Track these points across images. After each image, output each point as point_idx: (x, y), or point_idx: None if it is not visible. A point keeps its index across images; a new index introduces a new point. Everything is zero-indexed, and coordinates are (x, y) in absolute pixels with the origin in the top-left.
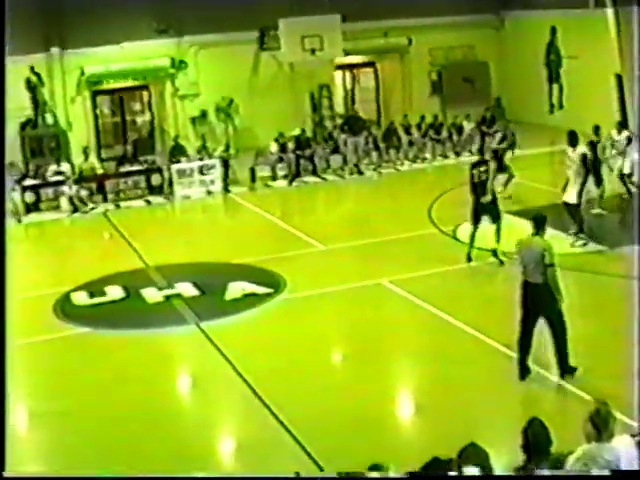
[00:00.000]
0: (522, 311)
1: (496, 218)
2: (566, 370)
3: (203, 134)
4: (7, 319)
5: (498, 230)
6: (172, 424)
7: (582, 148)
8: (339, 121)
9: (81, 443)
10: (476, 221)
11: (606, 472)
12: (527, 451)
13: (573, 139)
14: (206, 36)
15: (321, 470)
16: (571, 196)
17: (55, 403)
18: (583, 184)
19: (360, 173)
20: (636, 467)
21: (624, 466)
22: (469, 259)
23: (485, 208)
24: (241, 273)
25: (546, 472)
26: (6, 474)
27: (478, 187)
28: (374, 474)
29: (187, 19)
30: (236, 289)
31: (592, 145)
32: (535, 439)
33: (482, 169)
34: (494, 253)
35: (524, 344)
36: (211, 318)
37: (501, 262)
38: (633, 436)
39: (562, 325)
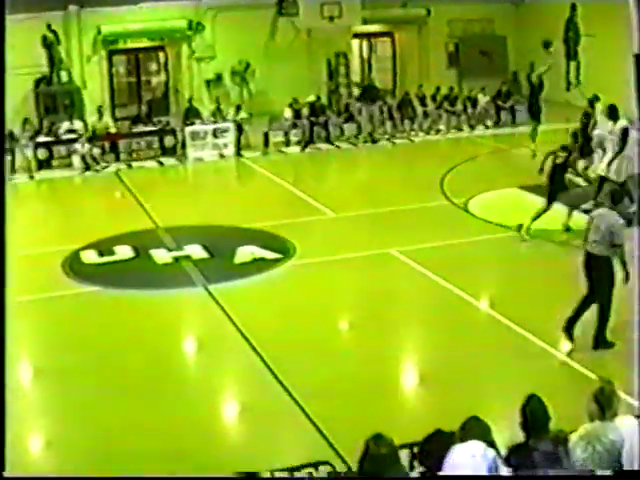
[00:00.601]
0: (588, 282)
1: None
2: (602, 342)
3: (218, 97)
4: (6, 321)
5: (543, 212)
6: (176, 386)
7: (623, 122)
8: (355, 90)
9: (84, 400)
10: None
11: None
12: (525, 428)
13: (613, 113)
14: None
15: (323, 437)
16: (613, 172)
17: (60, 360)
18: (613, 159)
19: (374, 142)
20: (637, 448)
21: (627, 447)
22: (519, 229)
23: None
24: (251, 237)
25: (547, 448)
26: (6, 474)
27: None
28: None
29: None
30: (245, 253)
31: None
32: (533, 416)
33: (561, 153)
34: (519, 228)
35: (580, 312)
36: (219, 281)
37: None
38: (637, 417)
39: (610, 298)
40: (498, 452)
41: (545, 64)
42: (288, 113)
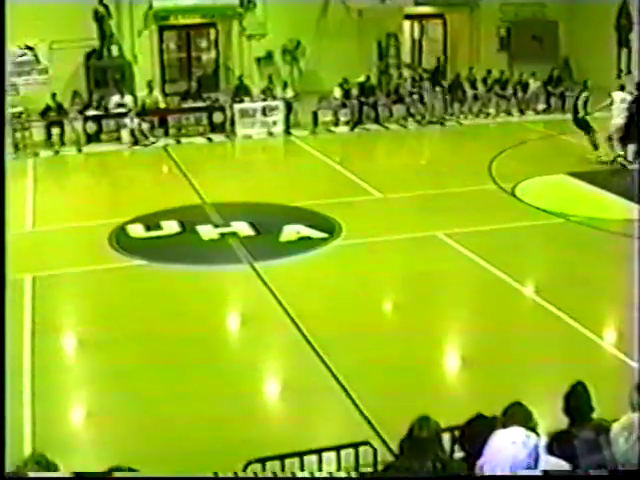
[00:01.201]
0: None
1: None
2: None
3: (270, 75)
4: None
5: None
6: (219, 360)
7: None
8: (406, 71)
9: (128, 371)
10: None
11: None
12: (569, 414)
13: None
14: None
15: (365, 417)
16: None
17: (105, 332)
18: None
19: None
20: None
21: None
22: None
23: None
24: (297, 216)
25: (589, 437)
26: (7, 474)
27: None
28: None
29: None
30: (291, 232)
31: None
32: (576, 404)
33: None
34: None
35: None
36: (265, 259)
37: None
38: None
39: None
40: (539, 439)
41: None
42: (337, 93)
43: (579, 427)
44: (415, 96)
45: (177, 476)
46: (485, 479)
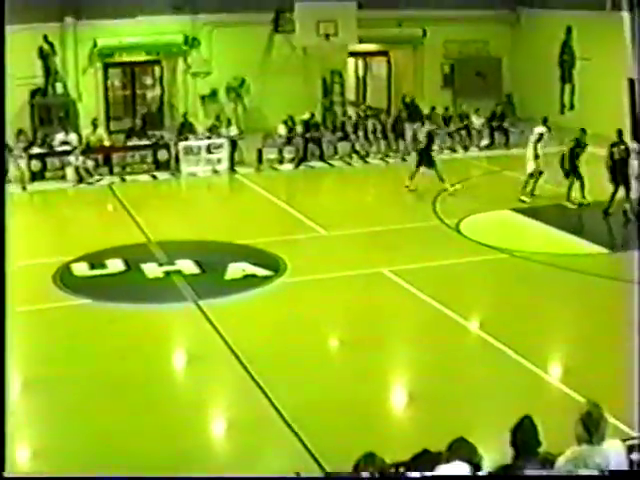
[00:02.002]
0: None
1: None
2: None
3: (218, 114)
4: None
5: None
6: (165, 400)
7: None
8: (350, 109)
9: (73, 411)
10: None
11: (595, 473)
12: (516, 449)
13: None
14: (221, 15)
15: (310, 454)
16: None
17: (50, 371)
18: None
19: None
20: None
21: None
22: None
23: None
24: (242, 254)
25: (534, 471)
26: (6, 474)
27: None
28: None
29: None
30: (236, 269)
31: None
32: (524, 438)
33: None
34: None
35: None
36: (210, 297)
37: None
38: (624, 440)
39: None
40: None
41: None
42: (282, 130)
43: (524, 460)
44: (360, 133)
45: (177, 476)
46: (485, 479)
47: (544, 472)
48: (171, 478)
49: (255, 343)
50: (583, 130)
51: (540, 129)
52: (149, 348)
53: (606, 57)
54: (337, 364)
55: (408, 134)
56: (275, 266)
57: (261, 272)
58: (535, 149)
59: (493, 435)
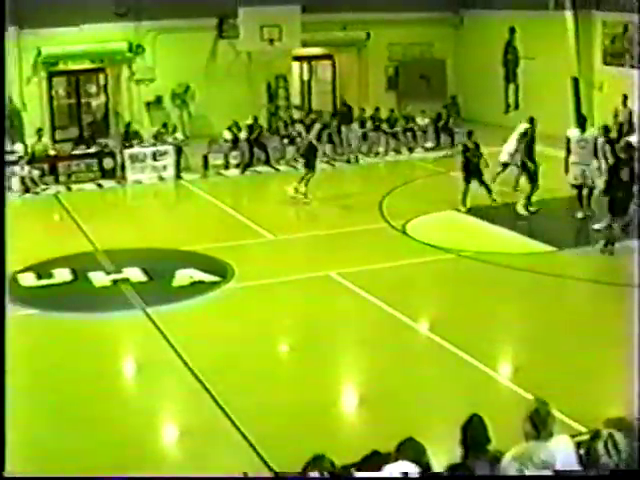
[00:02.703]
0: None
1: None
2: None
3: (164, 121)
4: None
5: None
6: (114, 409)
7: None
8: (295, 112)
9: (14, 425)
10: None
11: (543, 470)
12: (465, 447)
13: None
14: (165, 21)
15: (261, 458)
16: None
17: None
18: None
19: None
20: (574, 467)
21: (560, 466)
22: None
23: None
24: (190, 260)
25: (484, 469)
26: (6, 474)
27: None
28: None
29: (146, 3)
30: (184, 276)
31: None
32: (473, 436)
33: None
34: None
35: None
36: (158, 304)
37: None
38: (573, 436)
39: None
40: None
41: None
42: (227, 135)
43: (474, 458)
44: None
45: (178, 476)
46: (484, 478)
47: (494, 470)
48: (172, 478)
49: (204, 349)
50: (531, 120)
51: (525, 125)
52: (98, 357)
53: (550, 56)
54: (287, 368)
55: (350, 136)
56: (223, 272)
57: (209, 278)
58: (518, 144)
59: (444, 434)
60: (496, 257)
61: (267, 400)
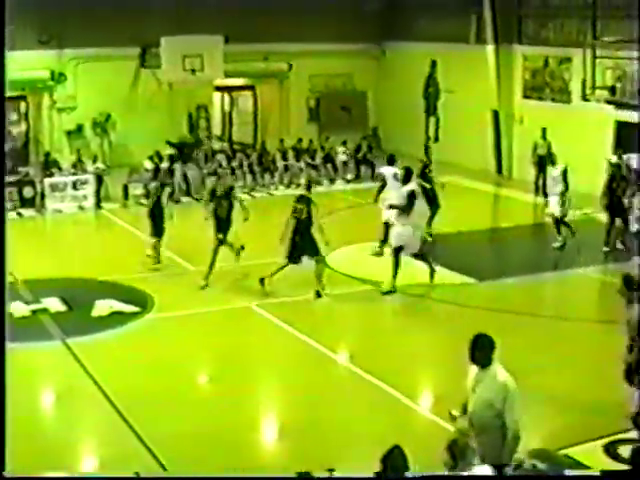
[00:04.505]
0: None
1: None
2: None
3: (79, 149)
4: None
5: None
6: (32, 440)
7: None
8: (216, 143)
9: None
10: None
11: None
12: (384, 478)
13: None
14: (87, 49)
15: None
16: None
17: None
18: None
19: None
20: None
21: None
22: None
23: None
24: (109, 290)
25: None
26: (6, 474)
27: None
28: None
29: (69, 31)
30: (103, 306)
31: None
32: (393, 466)
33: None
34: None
35: None
36: (77, 334)
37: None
38: (494, 467)
39: None
40: None
41: None
42: (148, 165)
43: None
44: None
45: (178, 476)
46: (483, 479)
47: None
48: (178, 478)
49: (123, 380)
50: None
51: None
52: (16, 388)
53: (470, 89)
54: (206, 399)
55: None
56: (142, 302)
57: (128, 309)
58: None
59: (363, 465)
60: (416, 289)
61: (185, 428)
